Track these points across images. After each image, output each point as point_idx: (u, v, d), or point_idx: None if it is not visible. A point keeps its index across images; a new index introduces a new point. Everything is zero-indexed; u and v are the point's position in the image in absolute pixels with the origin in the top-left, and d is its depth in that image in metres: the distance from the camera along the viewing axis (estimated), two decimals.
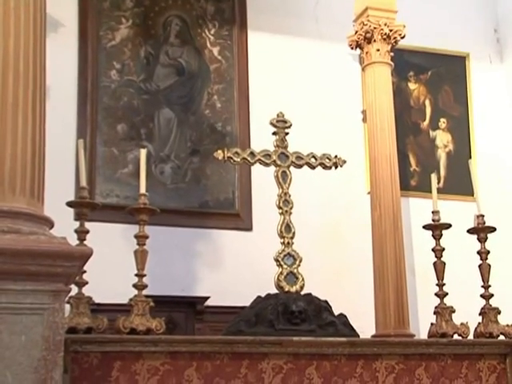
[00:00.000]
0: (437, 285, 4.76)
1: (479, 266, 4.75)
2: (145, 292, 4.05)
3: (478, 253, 4.76)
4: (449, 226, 4.82)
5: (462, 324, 4.67)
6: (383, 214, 5.96)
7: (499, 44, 7.98)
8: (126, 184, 6.37)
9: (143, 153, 4.36)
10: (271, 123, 4.71)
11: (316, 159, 4.73)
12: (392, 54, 6.29)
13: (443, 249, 4.80)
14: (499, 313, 4.69)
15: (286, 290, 4.41)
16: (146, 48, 6.76)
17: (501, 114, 7.83)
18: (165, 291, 5.57)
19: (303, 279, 4.46)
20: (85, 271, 3.86)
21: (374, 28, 6.19)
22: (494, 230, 4.81)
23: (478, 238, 4.78)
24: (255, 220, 6.68)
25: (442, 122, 7.61)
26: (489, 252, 4.76)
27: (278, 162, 4.63)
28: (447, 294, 4.75)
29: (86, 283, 3.97)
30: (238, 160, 4.60)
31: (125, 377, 3.82)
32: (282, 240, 4.51)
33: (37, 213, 3.38)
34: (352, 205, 6.88)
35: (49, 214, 3.46)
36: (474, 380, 4.47)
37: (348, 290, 6.22)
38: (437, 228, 4.83)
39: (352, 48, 6.51)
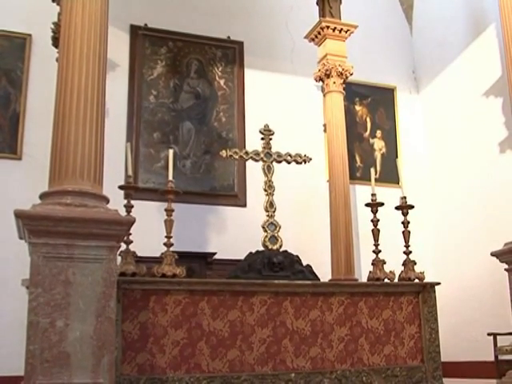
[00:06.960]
0: (374, 245, 4.78)
1: (402, 232, 4.75)
2: (171, 248, 4.06)
3: (402, 223, 4.77)
4: (382, 204, 4.84)
5: (390, 271, 4.68)
6: (337, 195, 5.96)
7: (416, 81, 8.01)
8: (159, 174, 6.37)
9: (171, 152, 4.35)
10: (260, 131, 4.72)
11: (291, 157, 4.73)
12: (344, 85, 6.28)
13: (378, 220, 4.81)
14: (415, 264, 4.71)
15: (270, 248, 4.43)
16: (174, 80, 6.74)
17: (417, 128, 7.85)
18: (185, 248, 5.56)
19: (281, 240, 4.48)
20: (130, 233, 3.86)
21: (332, 68, 6.17)
22: (412, 207, 4.82)
23: (402, 213, 4.80)
24: (248, 199, 6.68)
25: (378, 133, 7.61)
26: (409, 222, 4.77)
27: (265, 159, 4.63)
28: (380, 251, 4.77)
29: (132, 242, 3.97)
30: (237, 157, 4.60)
31: (158, 306, 3.85)
32: (267, 213, 4.51)
33: (98, 193, 3.42)
34: (316, 189, 6.89)
35: (106, 194, 3.49)
36: (398, 309, 4.50)
37: (313, 248, 6.21)
38: (374, 205, 4.85)
39: (316, 81, 6.49)
